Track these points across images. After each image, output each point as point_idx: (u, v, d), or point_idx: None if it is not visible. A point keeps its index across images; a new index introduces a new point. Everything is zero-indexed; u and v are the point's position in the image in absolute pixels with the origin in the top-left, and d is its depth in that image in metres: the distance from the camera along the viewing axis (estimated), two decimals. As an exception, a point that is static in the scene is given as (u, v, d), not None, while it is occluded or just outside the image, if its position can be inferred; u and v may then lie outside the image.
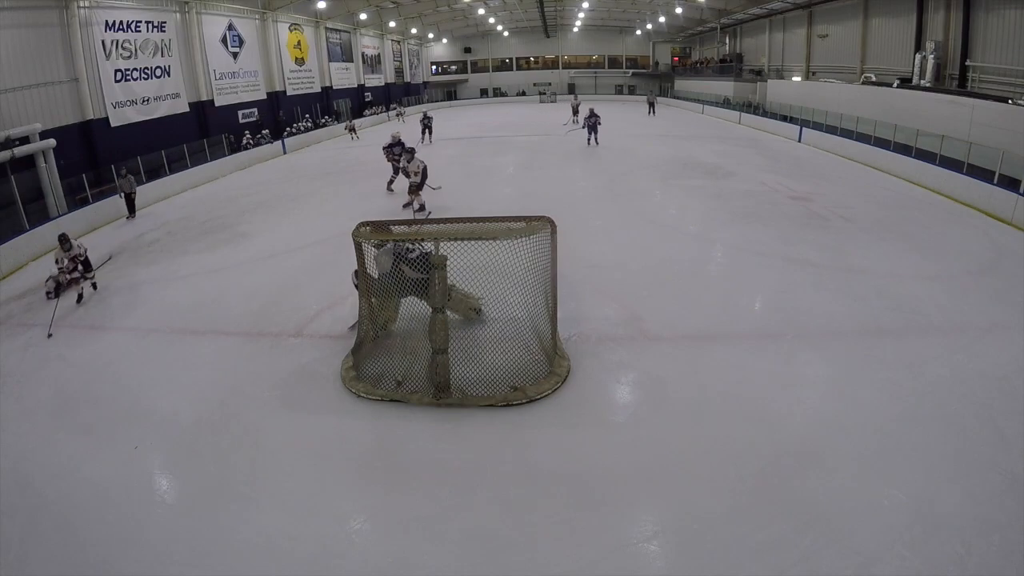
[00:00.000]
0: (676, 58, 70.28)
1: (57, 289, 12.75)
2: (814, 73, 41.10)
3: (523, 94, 71.66)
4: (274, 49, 38.61)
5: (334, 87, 47.22)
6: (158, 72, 28.31)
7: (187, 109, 30.39)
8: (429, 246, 8.50)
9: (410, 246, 9.09)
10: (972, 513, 5.85)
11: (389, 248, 9.05)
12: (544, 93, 69.45)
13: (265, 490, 6.70)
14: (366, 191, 22.29)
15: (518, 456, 7.10)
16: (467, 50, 75.31)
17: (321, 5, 41.04)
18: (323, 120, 43.11)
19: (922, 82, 28.49)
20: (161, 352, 10.28)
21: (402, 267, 9.06)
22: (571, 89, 72.38)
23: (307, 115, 41.77)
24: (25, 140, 20.06)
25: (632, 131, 35.97)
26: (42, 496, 6.82)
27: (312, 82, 44.09)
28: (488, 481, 6.68)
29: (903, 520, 5.79)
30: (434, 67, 76.71)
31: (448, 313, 9.03)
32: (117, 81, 25.62)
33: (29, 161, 20.21)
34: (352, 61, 51.47)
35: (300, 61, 42.28)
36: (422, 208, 17.10)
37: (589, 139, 30.26)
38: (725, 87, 48.50)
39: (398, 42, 63.37)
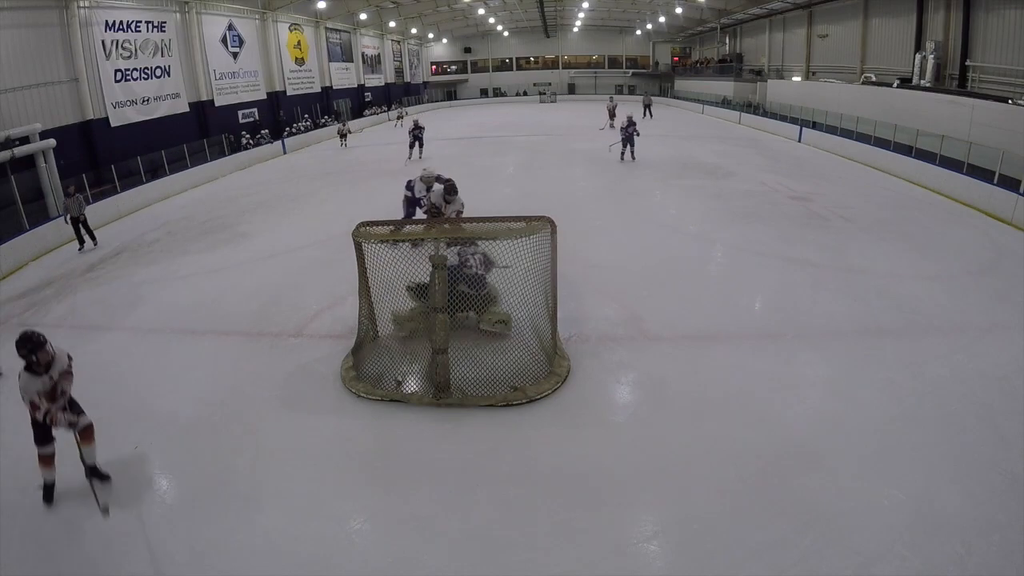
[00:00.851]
0: (676, 58, 70.35)
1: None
2: (814, 73, 41.13)
3: (523, 94, 71.63)
4: (274, 49, 38.64)
5: (334, 87, 47.27)
6: (158, 72, 28.33)
7: (187, 109, 30.45)
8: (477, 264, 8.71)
9: (468, 263, 9.15)
10: (972, 513, 5.84)
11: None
12: (544, 93, 69.45)
13: (265, 490, 6.70)
14: (366, 191, 22.30)
15: (518, 456, 7.09)
16: (467, 50, 75.33)
17: (321, 5, 41.06)
18: (323, 120, 43.08)
19: (922, 82, 28.52)
20: (161, 352, 10.27)
21: (459, 286, 9.17)
22: (572, 89, 72.68)
23: (307, 115, 41.74)
24: (25, 140, 20.09)
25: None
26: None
27: (312, 82, 44.13)
28: (488, 481, 6.68)
29: (903, 520, 5.79)
30: (434, 67, 76.69)
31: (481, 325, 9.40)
32: (117, 81, 25.66)
33: (29, 161, 20.24)
34: (352, 61, 51.51)
35: (300, 61, 42.31)
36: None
37: (624, 153, 25.78)
38: (725, 87, 48.53)
39: (398, 42, 63.40)
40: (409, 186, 15.22)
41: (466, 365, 8.39)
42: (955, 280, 11.85)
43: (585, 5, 57.02)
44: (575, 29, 70.24)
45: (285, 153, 34.74)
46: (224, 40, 33.66)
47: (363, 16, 49.38)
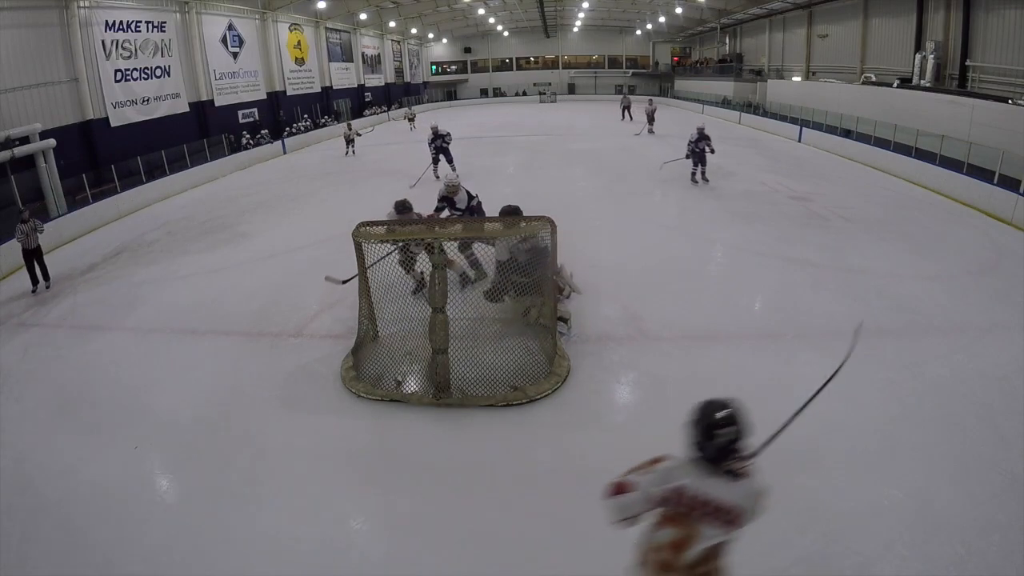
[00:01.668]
0: (676, 58, 70.21)
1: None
2: (814, 73, 41.13)
3: (523, 94, 71.58)
4: (274, 49, 38.62)
5: (334, 87, 47.22)
6: (158, 72, 28.33)
7: (187, 109, 30.43)
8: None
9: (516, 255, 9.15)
10: (972, 513, 5.85)
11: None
12: (544, 93, 69.24)
13: (265, 490, 6.71)
14: (366, 191, 22.28)
15: (518, 456, 7.10)
16: (467, 50, 75.24)
17: (321, 5, 41.04)
18: (323, 120, 43.03)
19: (922, 82, 28.53)
20: (161, 352, 10.28)
21: (512, 277, 9.30)
22: (572, 89, 72.52)
23: (307, 115, 41.72)
24: (25, 140, 20.08)
25: (632, 130, 35.93)
26: (42, 496, 6.82)
27: (312, 82, 44.10)
28: (488, 481, 6.68)
29: (903, 520, 5.79)
30: (434, 67, 76.69)
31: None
32: (117, 81, 25.65)
33: (29, 161, 20.26)
34: (352, 61, 51.47)
35: (300, 61, 42.29)
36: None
37: (695, 173, 20.76)
38: (725, 87, 48.51)
39: (398, 42, 63.38)
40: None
41: (466, 365, 8.38)
42: (955, 280, 11.85)
43: (585, 5, 56.98)
44: (575, 29, 70.16)
45: (285, 153, 34.72)
46: (224, 40, 33.64)
47: (363, 16, 49.35)
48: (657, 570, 4.00)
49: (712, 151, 20.42)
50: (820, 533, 5.67)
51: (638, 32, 69.37)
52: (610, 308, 10.85)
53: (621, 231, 15.58)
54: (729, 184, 20.59)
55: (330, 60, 46.63)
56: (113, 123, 25.33)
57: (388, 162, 22.87)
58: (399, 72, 64.16)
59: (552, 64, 74.90)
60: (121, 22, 25.79)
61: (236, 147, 31.87)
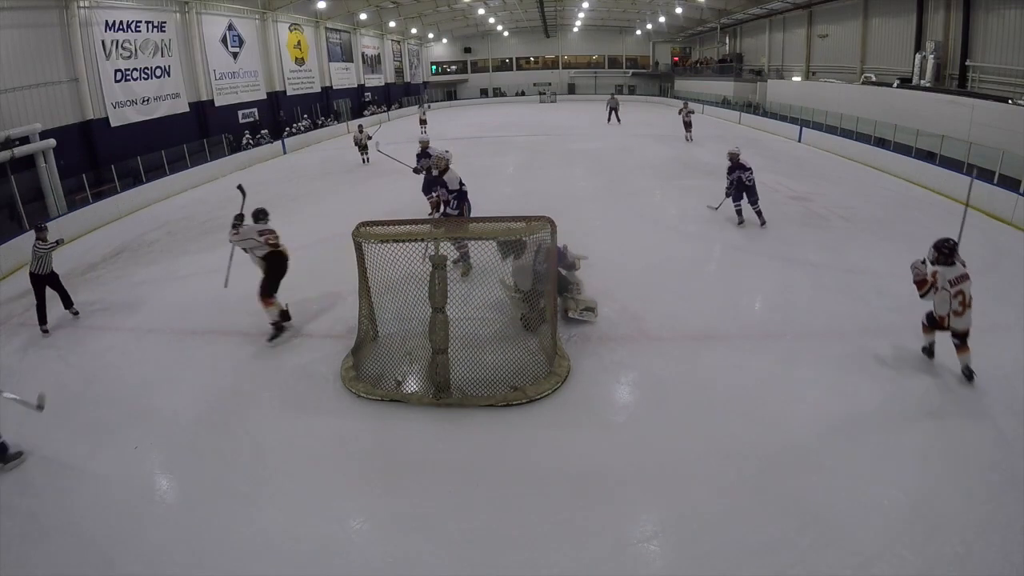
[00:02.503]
0: (676, 58, 70.19)
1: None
2: (814, 73, 41.12)
3: (523, 94, 71.55)
4: (274, 49, 38.62)
5: (334, 87, 47.20)
6: (158, 72, 28.33)
7: (187, 109, 30.42)
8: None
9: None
10: (972, 513, 5.85)
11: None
12: (544, 93, 69.20)
13: (265, 490, 6.72)
14: (366, 191, 22.30)
15: (518, 456, 7.10)
16: (467, 50, 75.26)
17: (321, 5, 41.02)
18: (321, 121, 43.00)
19: (922, 82, 28.50)
20: (161, 352, 10.28)
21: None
22: (572, 89, 72.59)
23: (307, 115, 41.71)
24: (25, 140, 20.07)
25: (632, 131, 35.96)
26: (42, 496, 6.84)
27: (312, 82, 44.10)
28: (488, 481, 6.69)
29: (903, 520, 5.79)
30: (434, 67, 76.69)
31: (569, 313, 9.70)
32: (117, 81, 25.65)
33: (29, 161, 20.24)
34: (352, 61, 51.48)
35: (300, 61, 42.29)
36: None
37: (740, 211, 15.71)
38: (725, 87, 48.48)
39: (398, 42, 63.39)
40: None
41: (466, 365, 8.38)
42: (955, 280, 11.83)
43: (585, 5, 56.97)
44: (575, 29, 70.15)
45: (285, 153, 34.72)
46: (224, 40, 33.65)
47: (363, 16, 49.34)
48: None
49: (750, 182, 15.37)
50: (820, 533, 5.67)
51: (638, 32, 69.39)
52: (610, 308, 10.84)
53: (621, 231, 15.58)
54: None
55: (330, 60, 46.62)
56: (113, 123, 25.32)
57: (388, 162, 22.82)
58: (399, 72, 64.17)
59: (552, 64, 74.92)
60: (121, 22, 25.78)
61: (236, 147, 31.91)
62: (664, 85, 65.50)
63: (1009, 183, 16.33)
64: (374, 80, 56.46)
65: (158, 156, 25.08)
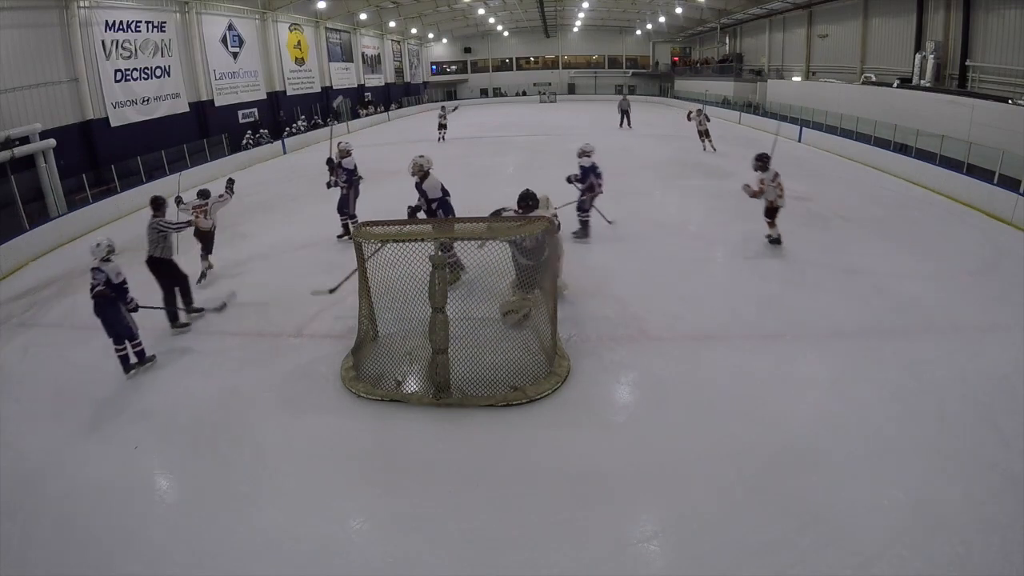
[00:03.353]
0: (676, 58, 70.26)
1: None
2: (814, 73, 41.17)
3: (523, 94, 71.61)
4: (274, 49, 38.67)
5: (334, 87, 47.21)
6: (158, 72, 28.37)
7: (187, 109, 30.49)
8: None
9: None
10: (972, 513, 5.85)
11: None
12: (544, 93, 69.34)
13: (265, 490, 6.72)
14: (368, 190, 22.26)
15: (518, 456, 7.10)
16: (467, 50, 75.37)
17: (321, 5, 41.08)
18: (316, 120, 42.89)
19: (922, 82, 28.53)
20: (161, 352, 10.27)
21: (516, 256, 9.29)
22: (572, 89, 72.66)
23: (305, 116, 41.69)
24: (25, 140, 20.08)
25: (633, 131, 35.97)
26: (42, 495, 6.84)
27: (312, 82, 44.15)
28: (488, 481, 6.68)
29: (903, 520, 5.79)
30: (434, 67, 76.73)
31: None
32: (117, 81, 25.68)
33: (29, 161, 20.25)
34: (352, 61, 51.53)
35: (300, 61, 42.33)
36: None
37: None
38: (725, 87, 48.51)
39: (398, 42, 63.45)
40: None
41: (466, 365, 8.38)
42: (955, 280, 11.85)
43: (585, 5, 57.09)
44: (575, 29, 70.27)
45: (285, 153, 34.71)
46: (224, 40, 33.70)
47: (363, 16, 49.41)
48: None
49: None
50: (820, 533, 5.67)
51: (638, 32, 69.52)
52: (610, 308, 10.85)
53: (621, 230, 15.56)
54: (729, 184, 20.49)
55: (330, 60, 46.68)
56: (113, 123, 25.36)
57: (388, 162, 22.82)
58: (399, 72, 64.22)
59: (552, 64, 75.04)
60: (121, 22, 25.81)
61: (236, 147, 31.90)
62: (664, 85, 65.55)
63: (1009, 183, 16.33)
64: (374, 80, 56.49)
65: (158, 156, 25.07)
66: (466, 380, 8.28)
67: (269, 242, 16.22)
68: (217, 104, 32.99)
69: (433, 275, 7.96)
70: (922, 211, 17.31)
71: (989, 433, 7.09)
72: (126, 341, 9.41)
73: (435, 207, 11.96)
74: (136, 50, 26.82)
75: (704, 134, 28.72)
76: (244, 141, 32.74)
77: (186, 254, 12.69)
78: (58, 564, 5.84)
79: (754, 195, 13.36)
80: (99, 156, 23.64)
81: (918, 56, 29.14)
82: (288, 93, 40.67)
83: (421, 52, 72.99)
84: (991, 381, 8.14)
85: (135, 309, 9.54)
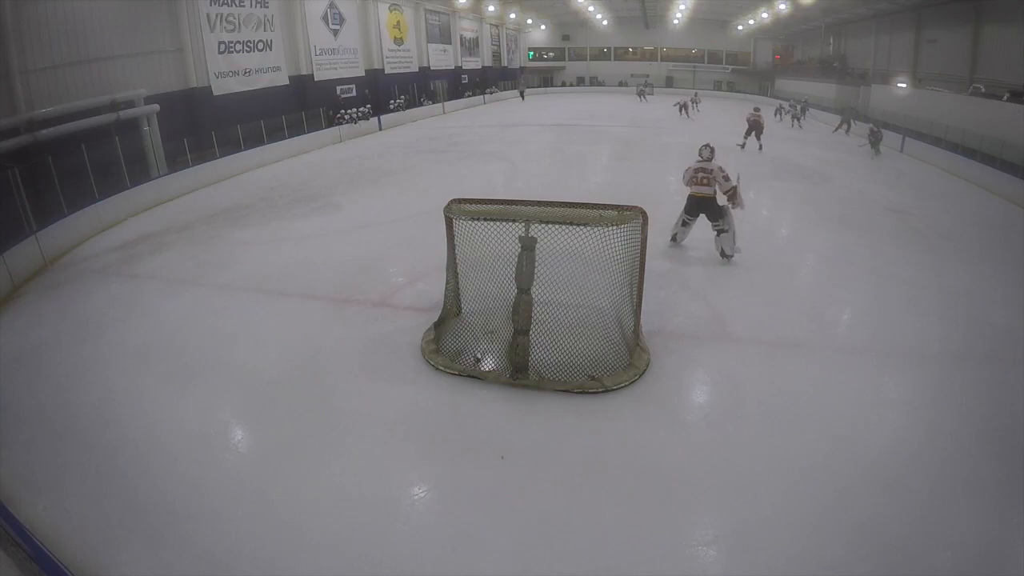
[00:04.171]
0: (777, 56, 68.66)
1: None
2: (920, 80, 39.57)
3: (623, 84, 70.84)
4: (373, 28, 39.29)
5: (431, 68, 47.73)
6: (260, 46, 29.14)
7: (287, 82, 31.22)
8: None
9: None
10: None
11: None
12: (643, 86, 62.07)
13: (335, 450, 6.89)
14: (461, 170, 22.46)
15: (587, 444, 7.06)
16: (565, 37, 75.14)
17: (421, -13, 41.51)
18: (403, 100, 43.22)
19: (1037, 96, 27.15)
20: (248, 309, 10.63)
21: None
22: (670, 82, 71.32)
23: (403, 95, 42.21)
24: (130, 104, 20.85)
25: (732, 128, 35.37)
26: (121, 434, 7.19)
27: (410, 62, 44.70)
28: (555, 465, 6.67)
29: (971, 556, 5.54)
30: (531, 52, 76.69)
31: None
32: (220, 52, 26.52)
33: (133, 124, 21.02)
34: (450, 43, 52.00)
35: (399, 41, 42.89)
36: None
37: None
38: (827, 89, 47.17)
39: (496, 26, 63.63)
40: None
41: (546, 348, 8.39)
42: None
43: (687, -3, 56.30)
44: (675, 21, 69.08)
45: (381, 129, 35.30)
46: (325, 18, 34.45)
47: (462, 1, 49.71)
48: None
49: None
50: (883, 560, 5.45)
51: (740, 27, 67.97)
52: (697, 306, 10.69)
53: (711, 230, 15.30)
54: (824, 190, 20.04)
55: (428, 41, 47.22)
56: (215, 92, 26.17)
57: (483, 144, 22.90)
58: (496, 56, 64.48)
59: (651, 56, 74.13)
60: (225, -1, 26.70)
61: (333, 121, 32.57)
62: (764, 83, 64.10)
63: None
64: (471, 63, 56.87)
65: (257, 125, 25.83)
66: (544, 364, 8.27)
67: (360, 213, 16.63)
68: (316, 79, 33.70)
69: (521, 256, 7.98)
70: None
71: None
72: None
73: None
74: (239, 24, 27.60)
75: (755, 128, 27.99)
76: (345, 116, 33.38)
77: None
78: (126, 499, 6.13)
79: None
80: (200, 123, 24.37)
81: (1035, 68, 27.68)
82: (386, 71, 41.22)
83: (519, 37, 73.10)
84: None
85: None
